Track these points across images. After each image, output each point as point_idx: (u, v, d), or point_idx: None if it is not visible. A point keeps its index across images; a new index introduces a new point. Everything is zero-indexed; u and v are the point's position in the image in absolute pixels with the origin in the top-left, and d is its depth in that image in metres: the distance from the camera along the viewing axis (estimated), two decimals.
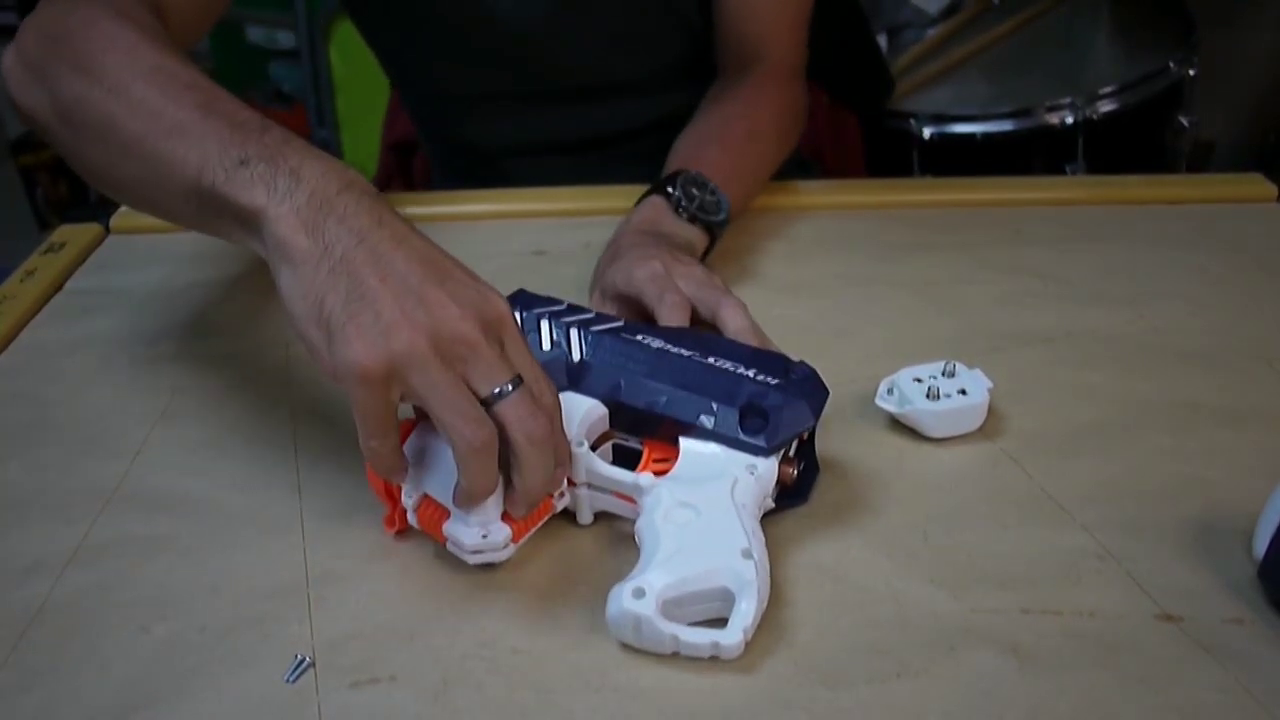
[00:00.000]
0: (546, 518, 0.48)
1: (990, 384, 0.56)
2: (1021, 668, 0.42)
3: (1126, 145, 1.29)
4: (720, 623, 0.43)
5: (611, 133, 0.91)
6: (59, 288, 0.74)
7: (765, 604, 0.44)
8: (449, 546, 0.46)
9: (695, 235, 0.69)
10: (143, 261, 0.77)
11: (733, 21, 0.85)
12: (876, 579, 0.47)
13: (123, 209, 0.83)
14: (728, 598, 0.43)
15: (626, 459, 0.50)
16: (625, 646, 0.43)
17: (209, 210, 0.47)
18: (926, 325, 0.67)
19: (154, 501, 0.53)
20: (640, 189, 0.74)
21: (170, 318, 0.70)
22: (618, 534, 0.50)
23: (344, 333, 0.41)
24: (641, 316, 0.60)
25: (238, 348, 0.66)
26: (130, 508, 0.53)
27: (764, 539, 0.46)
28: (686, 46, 0.89)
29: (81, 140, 0.53)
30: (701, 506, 0.46)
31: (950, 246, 0.76)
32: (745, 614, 0.42)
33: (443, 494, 0.46)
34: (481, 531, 0.45)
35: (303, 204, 0.44)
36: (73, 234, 0.80)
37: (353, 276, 0.42)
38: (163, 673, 0.43)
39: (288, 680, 0.42)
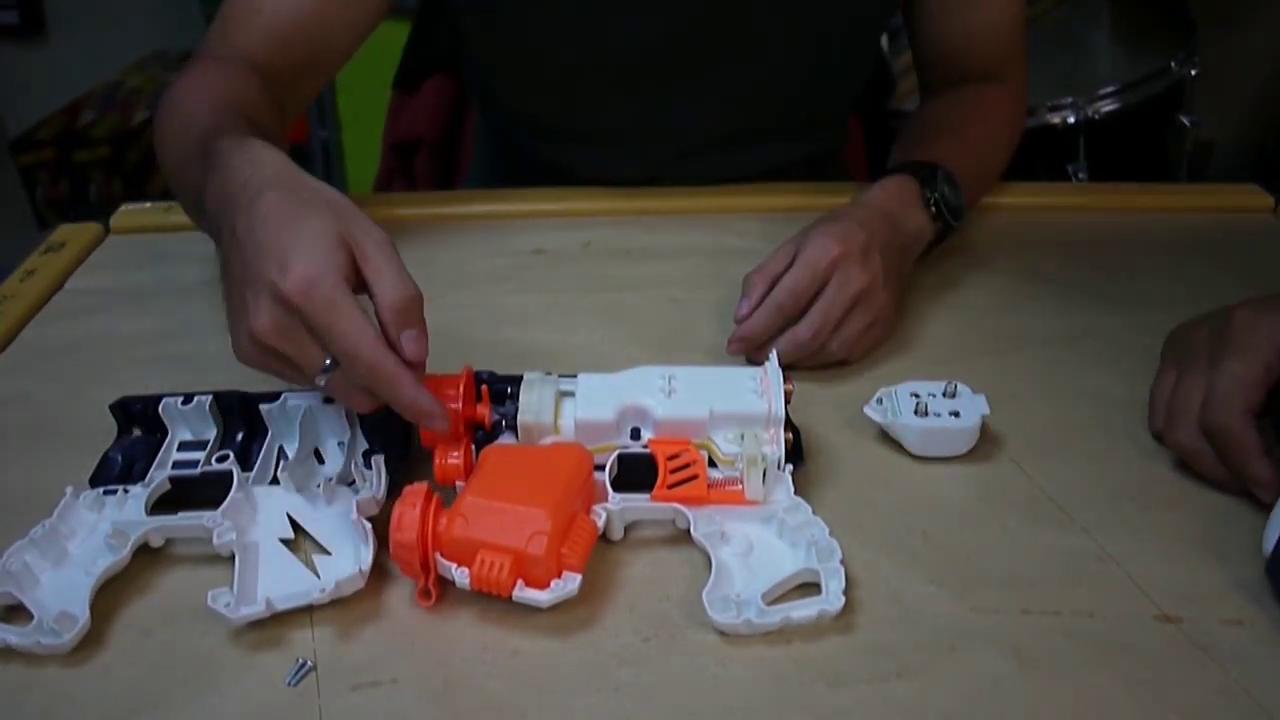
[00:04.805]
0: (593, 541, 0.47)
1: (987, 410, 0.54)
2: (1021, 668, 0.42)
3: (1128, 145, 1.28)
4: None
5: (679, 128, 0.84)
6: (59, 288, 0.74)
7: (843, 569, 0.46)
8: (516, 596, 0.44)
9: (926, 228, 0.68)
10: (143, 261, 0.77)
11: (969, 41, 0.83)
12: (876, 579, 0.47)
13: (123, 208, 0.83)
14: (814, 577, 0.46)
15: (634, 466, 0.50)
16: (623, 647, 0.44)
17: None
18: (927, 326, 0.67)
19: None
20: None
21: (170, 318, 0.70)
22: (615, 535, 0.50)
23: None
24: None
25: None
26: None
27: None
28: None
29: None
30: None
31: (951, 248, 0.76)
32: (835, 591, 0.45)
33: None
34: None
35: None
36: (73, 234, 0.80)
37: None
38: (164, 675, 0.43)
39: (289, 683, 0.42)
